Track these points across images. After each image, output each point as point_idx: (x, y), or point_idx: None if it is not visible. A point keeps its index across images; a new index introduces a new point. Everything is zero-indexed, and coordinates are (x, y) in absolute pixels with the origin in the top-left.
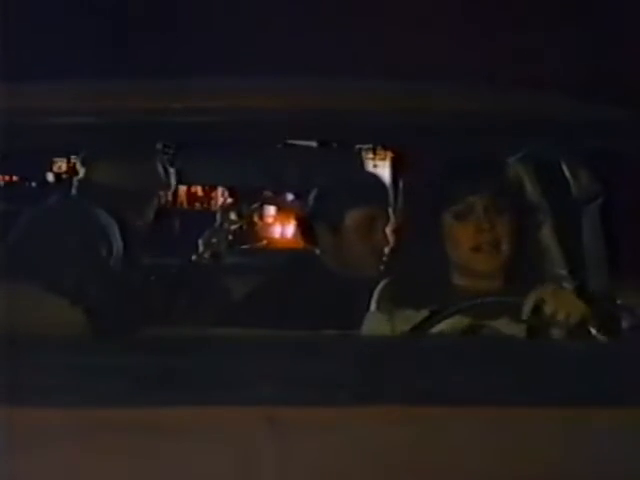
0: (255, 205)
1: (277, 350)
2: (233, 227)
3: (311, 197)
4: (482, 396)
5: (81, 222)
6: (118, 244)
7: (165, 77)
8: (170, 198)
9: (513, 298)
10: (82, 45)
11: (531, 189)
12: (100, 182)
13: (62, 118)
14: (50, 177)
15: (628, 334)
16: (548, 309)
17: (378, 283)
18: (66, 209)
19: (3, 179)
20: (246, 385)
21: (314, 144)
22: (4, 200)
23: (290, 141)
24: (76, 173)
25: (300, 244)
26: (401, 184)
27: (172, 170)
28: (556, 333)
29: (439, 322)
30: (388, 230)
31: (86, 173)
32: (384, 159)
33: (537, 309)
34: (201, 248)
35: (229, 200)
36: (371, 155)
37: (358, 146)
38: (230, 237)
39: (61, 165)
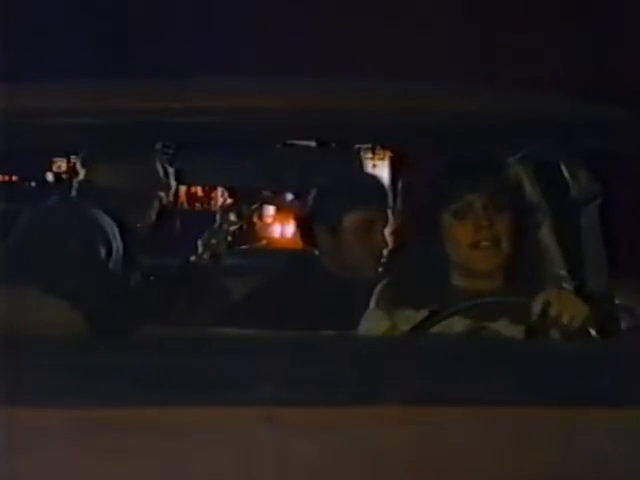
0: (255, 205)
1: (277, 350)
2: (232, 228)
3: (310, 197)
4: (482, 396)
5: (81, 223)
6: (118, 245)
7: (165, 77)
8: (171, 199)
9: (513, 298)
10: (82, 45)
11: (530, 189)
12: (100, 183)
13: (62, 118)
14: (50, 177)
15: (628, 334)
16: (553, 311)
17: (377, 283)
18: (66, 210)
19: (3, 179)
20: (246, 385)
21: (313, 144)
22: (4, 200)
23: (290, 141)
24: (76, 173)
25: (299, 244)
26: (400, 184)
27: (172, 170)
28: (556, 334)
29: (438, 322)
30: (387, 232)
31: (86, 174)
32: (383, 159)
33: (542, 311)
34: (200, 249)
35: (229, 200)
36: (370, 155)
37: (357, 146)
38: (229, 238)
39: (61, 165)
